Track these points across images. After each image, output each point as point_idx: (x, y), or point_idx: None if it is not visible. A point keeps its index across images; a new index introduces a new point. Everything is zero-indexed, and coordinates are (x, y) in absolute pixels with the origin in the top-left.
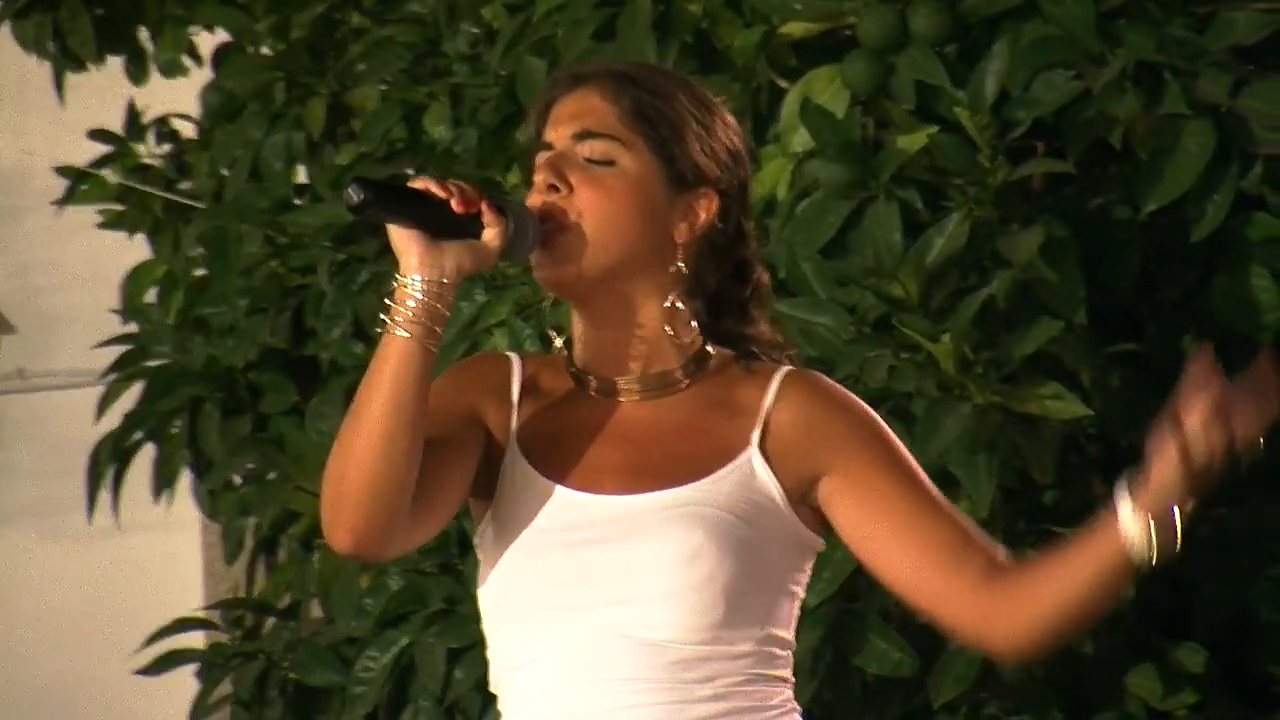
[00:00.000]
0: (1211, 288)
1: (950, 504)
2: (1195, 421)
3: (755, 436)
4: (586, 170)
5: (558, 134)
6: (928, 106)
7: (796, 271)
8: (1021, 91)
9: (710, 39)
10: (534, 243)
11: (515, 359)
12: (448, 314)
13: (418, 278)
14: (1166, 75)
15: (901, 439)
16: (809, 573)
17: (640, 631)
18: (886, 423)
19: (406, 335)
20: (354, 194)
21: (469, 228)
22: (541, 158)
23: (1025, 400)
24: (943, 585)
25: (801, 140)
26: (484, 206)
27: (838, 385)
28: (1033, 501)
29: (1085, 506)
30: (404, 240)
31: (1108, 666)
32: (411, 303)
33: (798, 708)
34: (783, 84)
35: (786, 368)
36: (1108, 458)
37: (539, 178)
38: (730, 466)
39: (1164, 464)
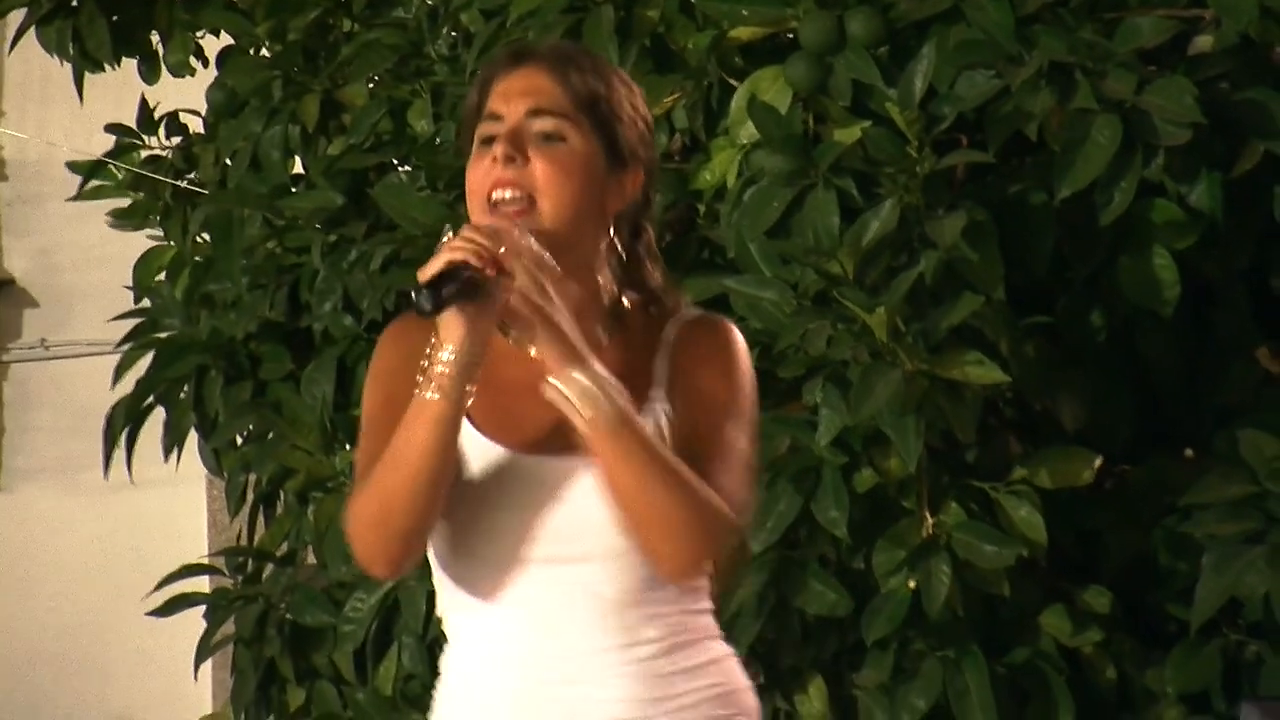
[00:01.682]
0: (1117, 267)
1: (732, 469)
2: None
3: (663, 390)
4: (540, 145)
5: (509, 108)
6: (862, 103)
7: (744, 251)
8: (947, 89)
9: (666, 41)
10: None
11: None
12: (480, 368)
13: (450, 347)
14: (1077, 74)
15: (838, 403)
16: None
17: (592, 587)
18: (824, 388)
19: (440, 398)
20: (425, 303)
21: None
22: (494, 127)
23: (950, 367)
24: None
25: (748, 133)
26: (501, 259)
27: (733, 335)
28: (955, 459)
29: (1003, 463)
30: (450, 321)
31: (1023, 607)
32: (444, 368)
33: (719, 630)
34: (732, 82)
35: (695, 313)
36: (1023, 419)
37: (499, 149)
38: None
39: None
